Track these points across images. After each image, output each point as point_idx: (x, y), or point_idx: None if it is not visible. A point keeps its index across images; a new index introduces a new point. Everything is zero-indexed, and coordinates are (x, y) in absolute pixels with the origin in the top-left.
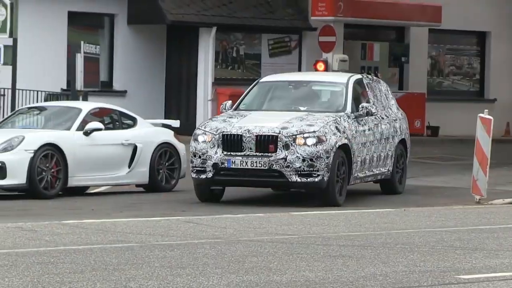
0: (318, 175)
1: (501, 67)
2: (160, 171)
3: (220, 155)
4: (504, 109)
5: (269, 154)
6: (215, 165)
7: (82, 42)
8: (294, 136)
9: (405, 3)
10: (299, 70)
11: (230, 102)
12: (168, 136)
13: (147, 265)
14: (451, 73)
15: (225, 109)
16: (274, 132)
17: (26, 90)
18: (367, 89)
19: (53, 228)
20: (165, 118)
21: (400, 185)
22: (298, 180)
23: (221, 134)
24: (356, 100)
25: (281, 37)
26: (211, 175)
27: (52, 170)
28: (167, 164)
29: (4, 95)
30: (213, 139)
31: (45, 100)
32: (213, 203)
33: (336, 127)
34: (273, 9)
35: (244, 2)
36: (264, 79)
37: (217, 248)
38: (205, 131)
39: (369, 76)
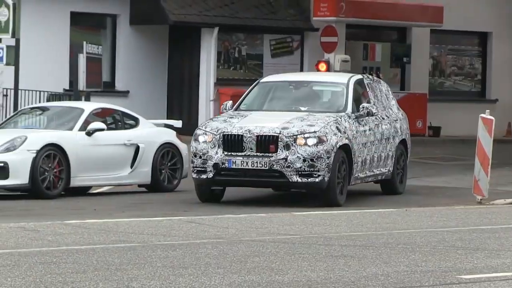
0: (319, 175)
1: (502, 68)
2: (162, 171)
3: (221, 155)
4: (505, 109)
5: (270, 154)
6: (215, 165)
7: (84, 43)
8: (294, 136)
9: (407, 4)
10: (301, 70)
11: (230, 102)
12: (170, 136)
13: (149, 265)
14: (452, 73)
15: (225, 109)
16: (274, 132)
17: (28, 90)
18: (367, 90)
19: (56, 228)
20: (167, 118)
21: (400, 185)
22: (299, 180)
23: (221, 134)
24: (357, 101)
25: (283, 37)
26: (212, 175)
27: (55, 170)
28: (169, 164)
29: (6, 95)
30: (213, 139)
31: (48, 100)
32: (214, 203)
33: (337, 127)
34: (275, 9)
35: (246, 2)
36: (264, 79)
37: (219, 248)
38: (205, 131)
39: (370, 77)
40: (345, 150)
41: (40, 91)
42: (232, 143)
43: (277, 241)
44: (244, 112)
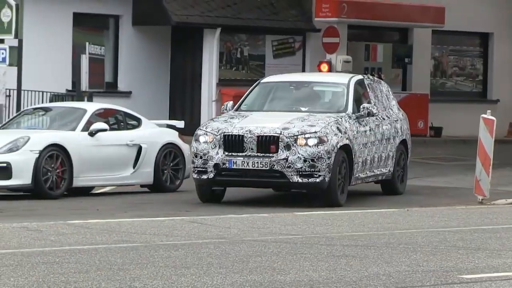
0: (320, 175)
1: (503, 68)
2: (165, 171)
3: (222, 156)
4: (506, 109)
5: (271, 155)
6: (216, 166)
7: (87, 43)
8: (295, 137)
9: (408, 5)
10: (303, 71)
11: (231, 102)
12: (173, 136)
13: (152, 265)
14: (454, 74)
15: (226, 109)
16: (275, 133)
17: (31, 91)
18: (368, 90)
19: (58, 228)
20: (170, 118)
21: (401, 185)
22: (300, 180)
23: (222, 134)
24: (357, 101)
25: (285, 38)
26: (213, 175)
27: (57, 170)
28: (171, 164)
29: (9, 96)
30: (214, 139)
31: (50, 101)
32: (216, 203)
33: (338, 128)
34: (277, 10)
35: (248, 3)
36: (265, 79)
37: (221, 248)
38: (206, 131)
39: (370, 77)
40: (346, 150)
41: (42, 92)
42: (232, 143)
43: (279, 241)
44: (244, 113)
